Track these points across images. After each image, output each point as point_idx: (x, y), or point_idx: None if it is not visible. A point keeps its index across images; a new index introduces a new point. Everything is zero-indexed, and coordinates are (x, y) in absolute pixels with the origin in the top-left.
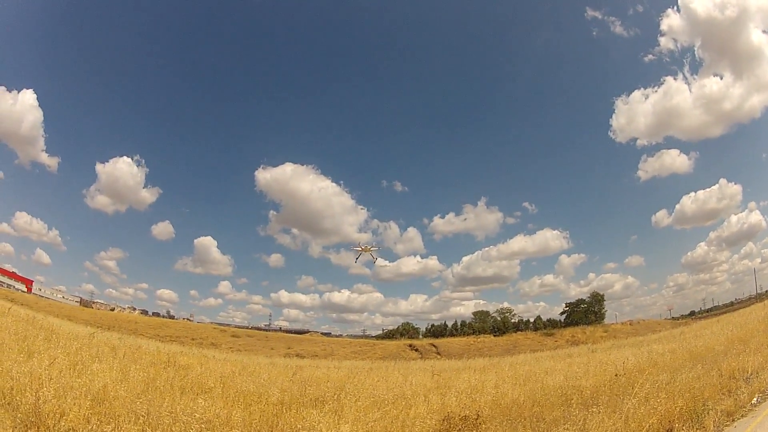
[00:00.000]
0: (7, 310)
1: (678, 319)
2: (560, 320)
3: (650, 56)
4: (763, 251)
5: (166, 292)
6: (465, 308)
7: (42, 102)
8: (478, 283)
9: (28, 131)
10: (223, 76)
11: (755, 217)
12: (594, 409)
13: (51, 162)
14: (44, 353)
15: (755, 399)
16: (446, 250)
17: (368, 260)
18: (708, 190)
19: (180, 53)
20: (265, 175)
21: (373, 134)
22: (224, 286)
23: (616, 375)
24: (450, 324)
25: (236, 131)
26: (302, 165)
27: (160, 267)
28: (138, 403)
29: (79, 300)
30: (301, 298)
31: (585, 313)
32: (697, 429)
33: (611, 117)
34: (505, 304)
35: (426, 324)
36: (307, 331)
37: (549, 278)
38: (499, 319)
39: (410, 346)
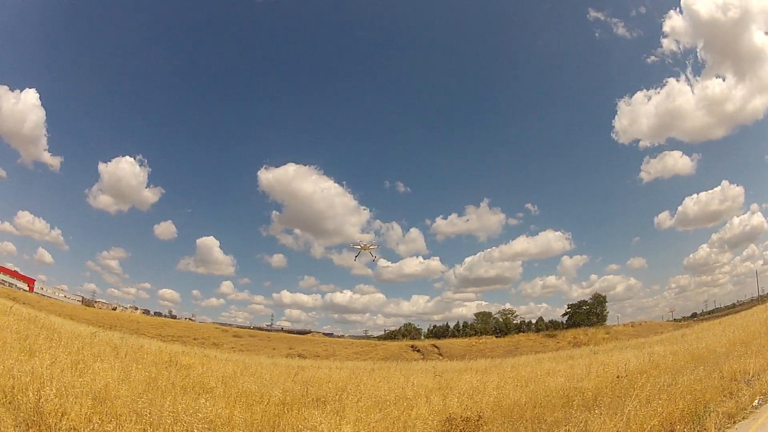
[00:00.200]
0: (8, 309)
1: (680, 320)
2: (562, 322)
3: (653, 57)
4: (765, 253)
5: (168, 292)
6: (467, 309)
7: (44, 101)
8: (481, 284)
9: (31, 131)
10: (225, 76)
11: (757, 218)
12: (595, 411)
13: (53, 161)
14: (46, 352)
15: (756, 401)
16: (448, 251)
17: (369, 261)
18: (710, 191)
19: (183, 53)
20: (267, 176)
21: (376, 135)
22: (226, 286)
23: (617, 377)
24: (452, 325)
25: (239, 131)
26: (305, 165)
27: (162, 267)
28: (139, 402)
29: (80, 299)
30: (303, 298)
31: (587, 314)
32: (698, 431)
33: (614, 118)
34: (507, 306)
35: (428, 325)
36: (309, 332)
37: (551, 279)
38: (501, 320)
39: (412, 347)
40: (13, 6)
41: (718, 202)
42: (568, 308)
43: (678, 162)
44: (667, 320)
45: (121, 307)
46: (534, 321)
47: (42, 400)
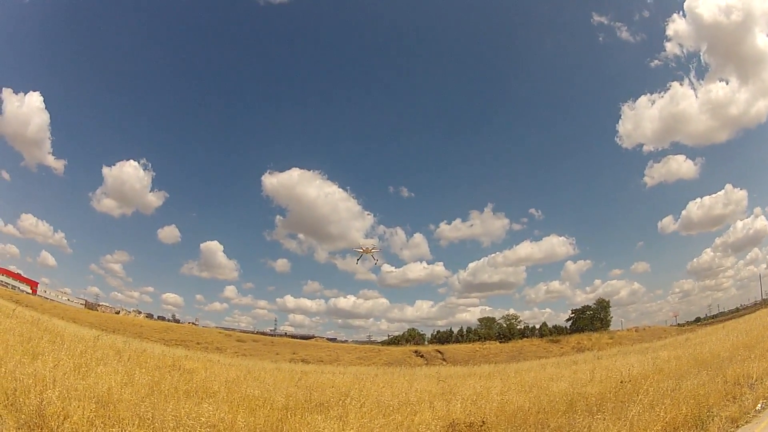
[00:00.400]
0: (12, 312)
1: (683, 325)
2: (566, 327)
3: (656, 61)
4: None
5: (171, 296)
6: (471, 314)
7: (49, 105)
8: (484, 289)
9: (35, 134)
10: (230, 81)
11: (761, 222)
12: (599, 416)
13: (57, 165)
14: (49, 355)
15: (759, 405)
16: (452, 256)
17: (372, 265)
18: (714, 195)
19: (187, 57)
20: (271, 180)
21: (380, 140)
22: (230, 290)
23: (621, 382)
24: (456, 330)
25: (243, 136)
26: (309, 170)
27: (165, 271)
28: (142, 406)
29: (84, 302)
30: (306, 303)
31: (591, 319)
32: None
33: (618, 122)
34: (511, 311)
35: (432, 330)
36: (313, 337)
37: (555, 285)
38: (504, 325)
39: (416, 352)
40: (17, 9)
41: (722, 206)
42: (572, 313)
43: (682, 166)
44: (671, 325)
45: (125, 311)
46: (538, 326)
47: (44, 402)
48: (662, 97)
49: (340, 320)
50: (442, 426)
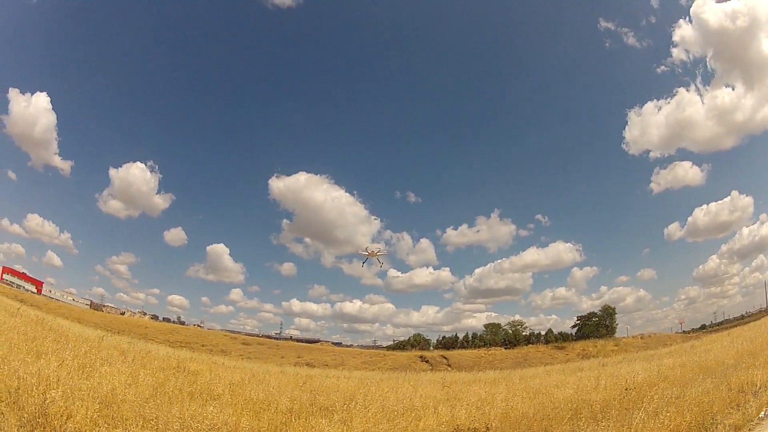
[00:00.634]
0: (16, 311)
1: (689, 332)
2: (571, 333)
3: (663, 67)
4: None
5: (177, 298)
6: (477, 320)
7: (56, 105)
8: (491, 295)
9: (41, 134)
10: (238, 84)
11: (766, 229)
12: (603, 424)
13: (64, 165)
14: (53, 354)
15: (763, 413)
16: (459, 262)
17: (379, 270)
18: (720, 202)
19: (195, 60)
20: (278, 184)
21: (387, 145)
22: (236, 293)
23: (626, 389)
24: (461, 336)
25: (250, 139)
26: (316, 174)
27: (171, 273)
28: (146, 407)
29: (89, 303)
30: (312, 307)
31: (596, 326)
32: None
33: (624, 129)
34: (517, 317)
35: (437, 335)
36: (318, 341)
37: (561, 291)
38: (510, 331)
39: (421, 357)
40: (25, 10)
41: (728, 212)
42: (578, 320)
43: (688, 173)
44: (676, 332)
45: (130, 312)
46: (543, 333)
47: (47, 401)
48: (668, 103)
49: (345, 325)
50: (446, 431)
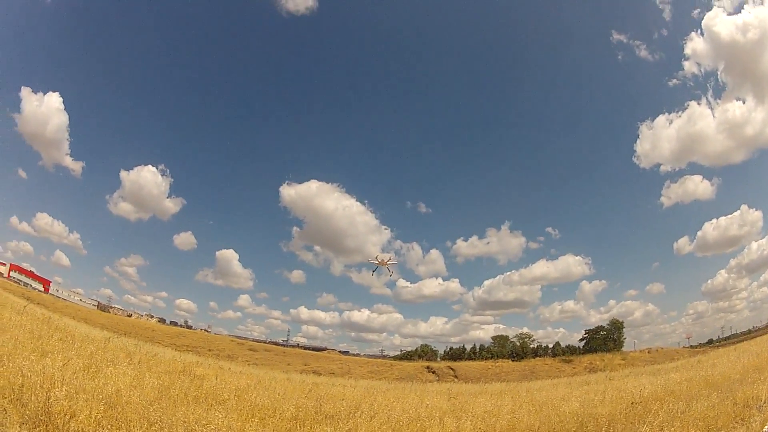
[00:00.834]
0: (23, 308)
1: (696, 347)
2: (579, 347)
3: (674, 80)
4: None
5: (185, 302)
6: (485, 332)
7: (68, 106)
8: (499, 307)
9: (53, 134)
10: (252, 91)
11: None
12: None
13: (75, 166)
14: (58, 354)
15: (766, 427)
16: (468, 273)
17: (388, 280)
18: (729, 216)
19: (209, 67)
20: (289, 191)
21: (399, 155)
22: (244, 299)
23: (632, 403)
24: (469, 347)
25: (263, 146)
26: (327, 183)
27: (180, 277)
28: (151, 409)
29: (96, 304)
30: (320, 315)
31: (604, 340)
32: None
33: (635, 142)
34: (525, 330)
35: (445, 346)
36: (325, 349)
37: (569, 304)
38: (518, 344)
39: (428, 368)
40: (40, 10)
41: (737, 226)
42: (586, 333)
43: (698, 187)
44: (684, 347)
45: (137, 314)
46: (551, 345)
47: (51, 400)
48: (680, 116)
49: (353, 333)
50: None
